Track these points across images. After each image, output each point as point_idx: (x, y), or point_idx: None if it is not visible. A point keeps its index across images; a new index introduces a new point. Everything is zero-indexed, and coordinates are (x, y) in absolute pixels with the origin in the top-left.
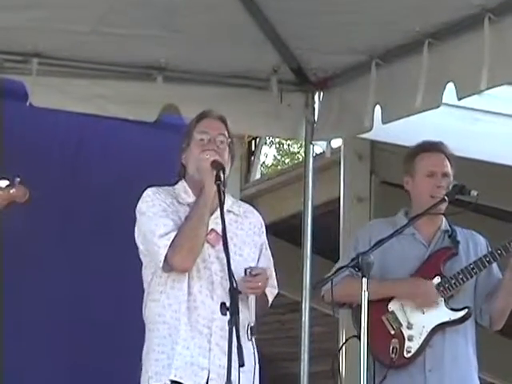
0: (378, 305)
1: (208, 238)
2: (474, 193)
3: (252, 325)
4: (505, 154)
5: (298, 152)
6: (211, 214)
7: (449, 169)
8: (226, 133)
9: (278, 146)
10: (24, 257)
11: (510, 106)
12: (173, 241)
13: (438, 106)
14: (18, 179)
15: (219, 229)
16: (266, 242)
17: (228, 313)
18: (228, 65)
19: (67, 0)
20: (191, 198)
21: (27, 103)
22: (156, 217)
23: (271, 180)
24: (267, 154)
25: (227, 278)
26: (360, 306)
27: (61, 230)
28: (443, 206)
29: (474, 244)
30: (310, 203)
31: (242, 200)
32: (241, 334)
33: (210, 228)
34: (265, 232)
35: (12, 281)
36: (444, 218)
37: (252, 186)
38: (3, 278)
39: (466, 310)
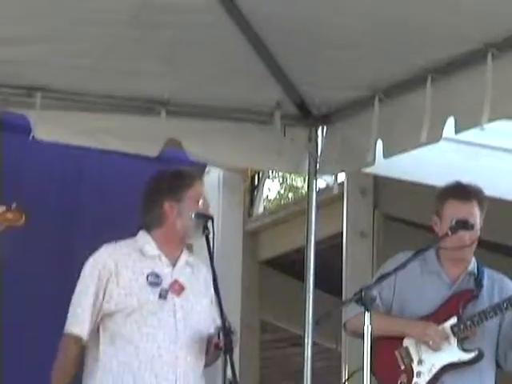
0: (394, 338)
1: (173, 288)
2: (476, 228)
3: (230, 379)
4: (507, 189)
5: (302, 186)
6: (174, 266)
7: (477, 219)
8: None
9: (281, 180)
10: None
11: (510, 141)
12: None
13: (439, 141)
14: (15, 204)
15: (181, 279)
16: (213, 295)
17: (222, 352)
18: (231, 99)
19: (71, 34)
20: (155, 251)
21: (30, 137)
22: (83, 293)
23: (274, 214)
24: (270, 188)
25: (190, 325)
26: (375, 338)
27: (59, 260)
28: (471, 249)
29: (499, 288)
30: (312, 238)
31: (245, 234)
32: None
33: (173, 279)
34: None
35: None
36: (474, 260)
37: (255, 221)
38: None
39: (477, 352)
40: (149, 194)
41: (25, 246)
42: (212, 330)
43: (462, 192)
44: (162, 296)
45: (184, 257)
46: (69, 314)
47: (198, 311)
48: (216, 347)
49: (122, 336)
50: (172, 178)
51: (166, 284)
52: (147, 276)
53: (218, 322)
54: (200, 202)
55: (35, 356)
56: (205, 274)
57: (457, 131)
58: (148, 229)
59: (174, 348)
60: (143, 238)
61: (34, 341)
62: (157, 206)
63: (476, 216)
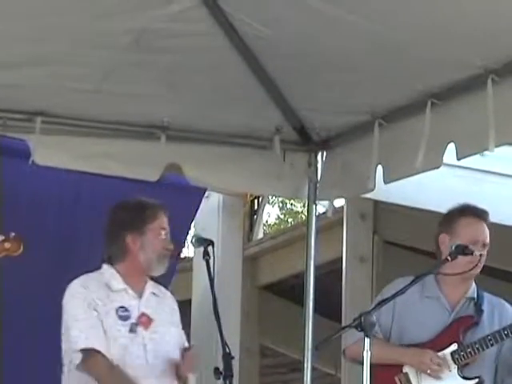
0: (393, 364)
1: (141, 322)
2: (476, 253)
3: None
4: (509, 215)
5: (301, 211)
6: (140, 297)
7: (488, 239)
8: None
9: (280, 205)
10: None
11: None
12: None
13: (439, 167)
14: (13, 234)
15: (148, 311)
16: (179, 322)
17: (221, 377)
18: (231, 124)
19: (71, 58)
20: (121, 285)
21: (30, 161)
22: (75, 318)
23: (274, 239)
24: (270, 213)
25: (161, 355)
26: (375, 363)
27: (57, 283)
28: (472, 273)
29: (499, 314)
30: (312, 263)
31: (244, 258)
32: None
33: (140, 311)
34: (178, 311)
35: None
36: (474, 285)
37: (254, 245)
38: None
39: (477, 380)
40: (111, 227)
41: (23, 270)
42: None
43: (477, 212)
44: (133, 330)
45: (149, 287)
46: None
47: (167, 341)
48: (179, 368)
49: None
50: (134, 210)
51: (134, 317)
52: (116, 310)
53: (185, 341)
54: (162, 234)
55: (35, 374)
56: (170, 302)
57: (459, 157)
58: (111, 261)
59: (147, 382)
60: (108, 271)
61: (34, 362)
62: (119, 239)
63: (488, 236)
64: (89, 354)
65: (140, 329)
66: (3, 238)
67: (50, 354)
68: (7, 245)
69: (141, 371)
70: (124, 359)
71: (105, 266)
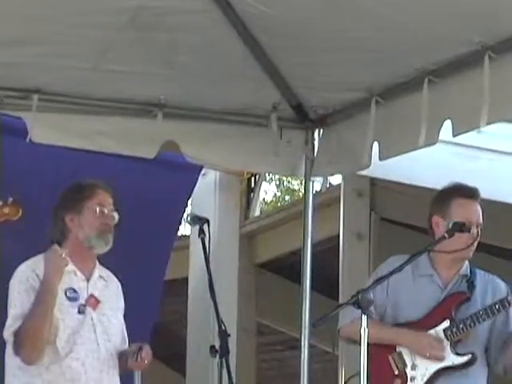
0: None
1: (90, 303)
2: (473, 231)
3: None
4: (504, 192)
5: (298, 189)
6: (88, 280)
7: (481, 218)
8: (116, 208)
9: (277, 182)
10: None
11: (508, 144)
12: (18, 334)
13: (435, 143)
14: (11, 199)
15: (97, 293)
16: (123, 308)
17: (218, 355)
18: (228, 102)
19: (68, 36)
20: (71, 267)
21: (27, 139)
22: (14, 303)
23: (271, 217)
24: (267, 191)
25: (109, 339)
26: (370, 344)
27: None
28: (468, 251)
29: (492, 290)
30: (309, 240)
31: (241, 236)
32: None
33: (89, 293)
34: (122, 298)
35: None
36: (467, 262)
37: (251, 223)
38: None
39: (470, 356)
40: (54, 210)
41: (22, 237)
42: (126, 345)
43: (469, 192)
44: (81, 311)
45: (97, 271)
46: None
47: (114, 324)
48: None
49: (46, 354)
50: (72, 191)
51: (82, 299)
52: (65, 291)
53: (126, 335)
54: (100, 211)
55: None
56: (116, 287)
57: (454, 134)
58: (57, 243)
59: (98, 363)
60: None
61: None
62: (60, 220)
63: (481, 215)
64: (15, 335)
65: (89, 309)
66: (1, 203)
67: None
68: (6, 209)
69: (92, 354)
70: (74, 340)
71: (54, 247)
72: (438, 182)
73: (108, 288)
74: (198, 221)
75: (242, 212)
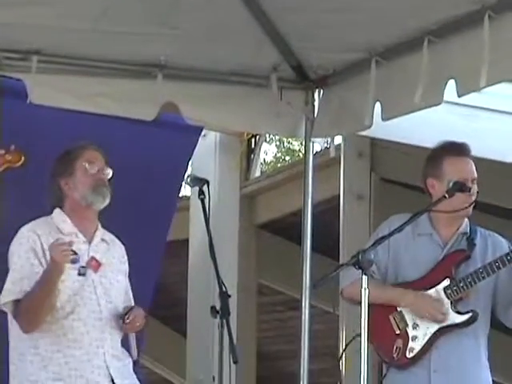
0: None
1: (90, 265)
2: (474, 190)
3: (135, 359)
4: (505, 152)
5: (299, 150)
6: (89, 243)
7: (475, 174)
8: (107, 164)
9: (278, 143)
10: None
11: (508, 103)
12: (20, 304)
13: (440, 103)
14: (13, 146)
15: (98, 256)
16: (128, 270)
17: (218, 315)
18: (228, 62)
19: None
20: (72, 229)
21: (27, 101)
22: (14, 266)
23: (271, 177)
24: (267, 152)
25: (110, 300)
26: (370, 304)
27: None
28: (468, 210)
29: (493, 248)
30: (309, 201)
31: (242, 197)
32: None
33: (90, 256)
34: (127, 260)
35: None
36: (466, 220)
37: (252, 184)
38: None
39: (470, 314)
40: (48, 179)
41: (22, 202)
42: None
43: (459, 148)
44: (82, 273)
45: (99, 233)
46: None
47: (115, 286)
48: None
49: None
50: (61, 157)
51: (83, 261)
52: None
53: (131, 297)
54: (90, 168)
55: None
56: (119, 250)
57: (459, 94)
58: (61, 204)
59: (100, 324)
60: (59, 215)
61: None
62: (56, 187)
63: (474, 171)
64: (16, 304)
65: (89, 271)
66: (4, 151)
67: None
68: (8, 156)
69: (94, 315)
70: (76, 302)
71: (56, 211)
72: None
73: (110, 251)
74: (198, 182)
75: (243, 173)
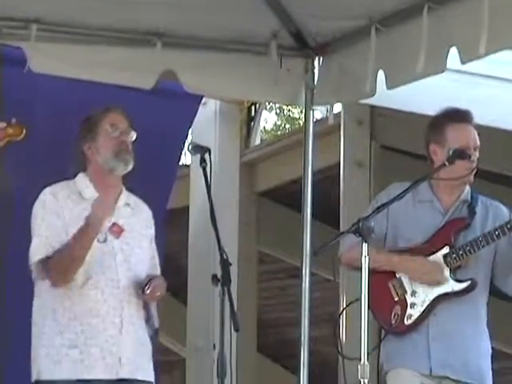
0: (387, 270)
1: (112, 231)
2: (474, 157)
3: (156, 328)
4: (506, 119)
5: (299, 117)
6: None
7: (478, 141)
8: (131, 126)
9: (278, 111)
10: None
11: (510, 70)
12: (51, 258)
13: (443, 71)
14: (14, 119)
15: (120, 222)
16: (154, 235)
17: (219, 284)
18: (227, 30)
19: None
20: (93, 193)
21: (25, 69)
22: (40, 225)
23: (271, 145)
24: (267, 119)
25: (130, 268)
26: (370, 271)
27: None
28: (469, 177)
29: (493, 216)
30: (309, 169)
31: (242, 165)
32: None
33: (112, 221)
34: (154, 225)
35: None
36: (468, 187)
37: (252, 152)
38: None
39: (470, 282)
40: (71, 146)
41: (24, 172)
42: (157, 274)
43: (462, 115)
44: (102, 239)
45: (123, 197)
46: (33, 249)
47: (137, 253)
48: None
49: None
50: (83, 121)
51: (104, 227)
52: (87, 218)
53: (157, 262)
54: (113, 131)
55: None
56: (145, 215)
57: (463, 61)
58: (84, 167)
59: (118, 292)
60: (82, 179)
61: None
62: (79, 152)
63: (477, 138)
64: (44, 262)
65: (110, 238)
66: (5, 124)
67: None
68: (9, 130)
69: (112, 283)
70: (94, 270)
71: (80, 175)
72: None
73: (135, 216)
74: (200, 150)
75: (243, 141)
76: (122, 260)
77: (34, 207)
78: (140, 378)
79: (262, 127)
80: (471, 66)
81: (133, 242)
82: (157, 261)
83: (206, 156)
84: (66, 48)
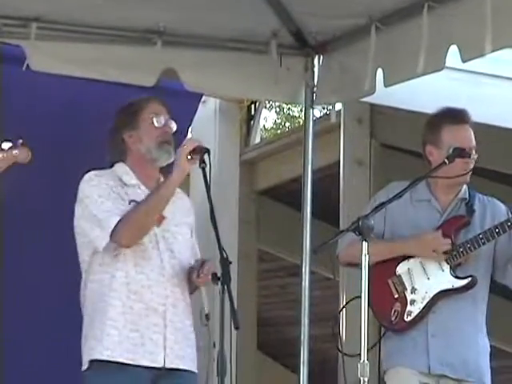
0: (386, 267)
1: None
2: (473, 156)
3: (206, 312)
4: (506, 117)
5: (299, 116)
6: None
7: (474, 141)
8: (172, 118)
9: (277, 109)
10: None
11: (510, 69)
12: (123, 217)
13: (442, 69)
14: (21, 141)
15: None
16: (194, 224)
17: (219, 282)
18: (227, 28)
19: None
20: (134, 180)
21: (24, 67)
22: (101, 200)
23: (271, 144)
24: (267, 118)
25: (173, 255)
26: (370, 267)
27: (52, 190)
28: (467, 176)
29: (491, 212)
30: (309, 167)
31: (242, 163)
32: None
33: None
34: (193, 213)
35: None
36: (465, 186)
37: (252, 150)
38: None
39: (470, 279)
40: (110, 133)
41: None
42: (192, 261)
43: (458, 116)
44: None
45: None
46: (98, 223)
47: (179, 241)
48: (198, 277)
49: (113, 263)
50: (125, 109)
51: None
52: (129, 203)
53: (198, 251)
54: (155, 120)
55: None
56: (186, 202)
57: (463, 60)
58: (124, 157)
59: (162, 279)
60: (121, 167)
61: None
62: (118, 141)
63: (473, 139)
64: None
65: None
66: (10, 145)
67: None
68: (16, 153)
69: (157, 270)
70: (139, 256)
71: (118, 164)
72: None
73: (174, 203)
74: (199, 151)
75: (243, 139)
76: (165, 248)
77: (81, 190)
78: (182, 367)
79: (261, 126)
80: (472, 65)
81: (174, 229)
82: (197, 249)
83: (206, 156)
84: (66, 46)
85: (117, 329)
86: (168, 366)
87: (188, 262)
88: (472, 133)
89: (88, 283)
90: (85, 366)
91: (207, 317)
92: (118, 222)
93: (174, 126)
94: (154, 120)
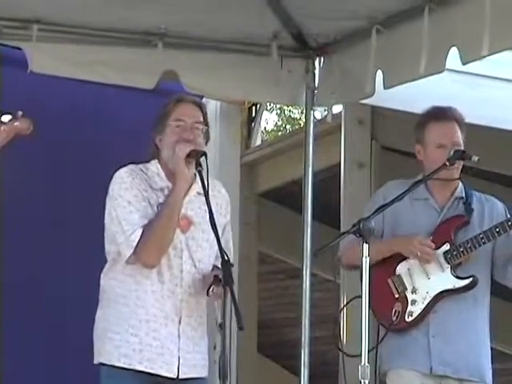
0: (386, 267)
1: (180, 224)
2: (474, 158)
3: (220, 321)
4: (506, 119)
5: (299, 118)
6: (183, 198)
7: (459, 137)
8: (201, 120)
9: (278, 111)
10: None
11: (510, 71)
12: (141, 237)
13: (442, 71)
14: (21, 112)
15: (189, 214)
16: (230, 223)
17: (221, 284)
18: (228, 31)
19: None
20: (164, 183)
21: (27, 70)
22: (130, 209)
23: (272, 146)
24: (268, 120)
25: (194, 264)
26: (373, 264)
27: (52, 190)
28: (456, 172)
29: (489, 212)
30: (310, 169)
31: (242, 166)
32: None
33: (181, 213)
34: (230, 212)
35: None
36: (461, 184)
37: (252, 152)
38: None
39: (471, 279)
40: (151, 132)
41: (21, 176)
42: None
43: (440, 113)
44: None
45: (195, 187)
46: (124, 234)
47: (203, 248)
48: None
49: (138, 268)
50: (158, 113)
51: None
52: (158, 206)
53: (230, 246)
54: (177, 126)
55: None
56: (220, 200)
57: (463, 62)
58: (158, 158)
59: (180, 290)
60: (154, 166)
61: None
62: (152, 143)
63: (459, 136)
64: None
65: (178, 231)
66: (10, 117)
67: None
68: (17, 124)
69: (176, 280)
70: (162, 264)
71: (153, 161)
72: None
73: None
74: (195, 155)
75: (243, 141)
76: (188, 257)
77: (112, 189)
78: (193, 375)
79: (262, 128)
80: (472, 67)
81: (200, 236)
82: (231, 245)
83: (202, 160)
84: (67, 48)
85: (138, 337)
86: (181, 376)
87: (209, 268)
88: (457, 129)
89: (109, 273)
90: (98, 361)
91: (221, 326)
92: (139, 243)
93: (198, 128)
94: (175, 126)
